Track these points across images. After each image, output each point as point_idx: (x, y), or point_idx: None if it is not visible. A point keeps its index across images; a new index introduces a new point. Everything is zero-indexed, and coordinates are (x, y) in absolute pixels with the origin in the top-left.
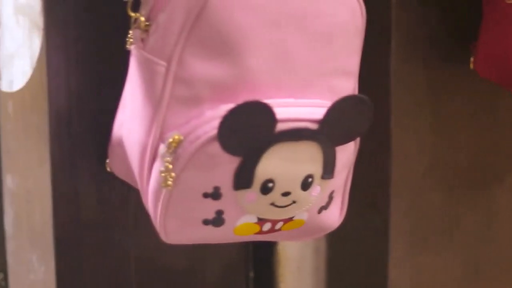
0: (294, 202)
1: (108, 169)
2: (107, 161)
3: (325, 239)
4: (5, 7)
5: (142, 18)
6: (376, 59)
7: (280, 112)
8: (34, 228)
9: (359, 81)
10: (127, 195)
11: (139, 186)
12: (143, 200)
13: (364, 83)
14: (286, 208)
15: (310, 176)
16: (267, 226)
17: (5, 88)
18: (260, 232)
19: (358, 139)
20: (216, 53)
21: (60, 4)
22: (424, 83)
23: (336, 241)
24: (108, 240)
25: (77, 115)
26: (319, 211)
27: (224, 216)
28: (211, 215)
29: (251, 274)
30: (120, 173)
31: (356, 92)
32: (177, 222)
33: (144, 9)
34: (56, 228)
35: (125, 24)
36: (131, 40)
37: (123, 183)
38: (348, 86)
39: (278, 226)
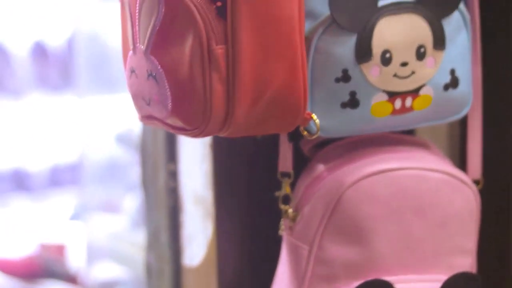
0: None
1: None
2: None
3: None
4: (187, 197)
5: (291, 210)
6: (496, 236)
7: (402, 287)
8: None
9: (481, 253)
10: None
11: None
12: None
13: (482, 254)
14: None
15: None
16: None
17: (188, 262)
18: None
19: None
20: (349, 239)
21: (228, 197)
22: None
23: None
24: None
25: None
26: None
27: None
28: None
29: None
30: None
31: (474, 267)
32: None
33: (292, 203)
34: None
35: (278, 214)
36: (282, 227)
37: None
38: (466, 262)
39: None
